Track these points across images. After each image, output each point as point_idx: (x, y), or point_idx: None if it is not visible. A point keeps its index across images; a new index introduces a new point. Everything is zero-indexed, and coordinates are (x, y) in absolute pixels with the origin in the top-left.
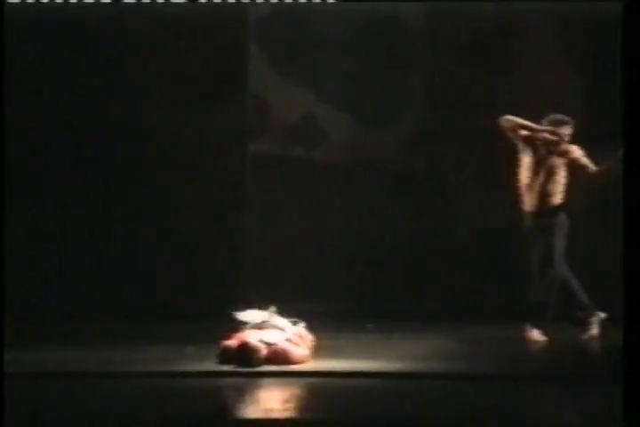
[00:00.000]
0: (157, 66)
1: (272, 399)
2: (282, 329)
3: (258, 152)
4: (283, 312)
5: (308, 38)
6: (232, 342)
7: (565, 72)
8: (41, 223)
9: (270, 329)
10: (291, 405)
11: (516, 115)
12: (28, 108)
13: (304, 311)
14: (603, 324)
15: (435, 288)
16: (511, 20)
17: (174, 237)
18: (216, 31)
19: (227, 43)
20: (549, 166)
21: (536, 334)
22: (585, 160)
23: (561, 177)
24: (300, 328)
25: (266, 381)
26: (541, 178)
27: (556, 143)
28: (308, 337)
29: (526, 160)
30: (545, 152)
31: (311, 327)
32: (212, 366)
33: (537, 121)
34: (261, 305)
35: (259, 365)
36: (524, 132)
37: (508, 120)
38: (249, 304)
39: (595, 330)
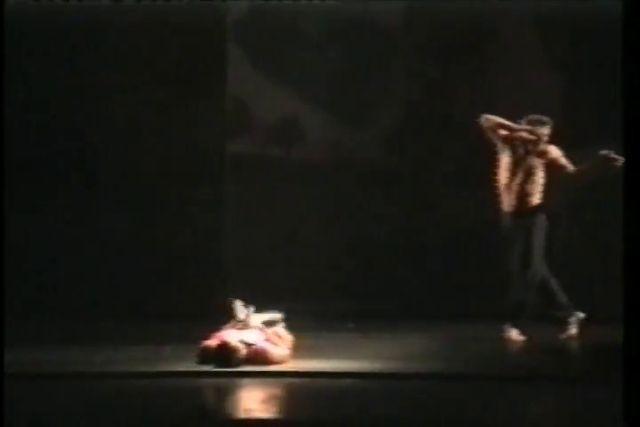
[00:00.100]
0: (136, 66)
1: (251, 399)
2: (261, 329)
3: (237, 152)
4: (262, 312)
5: (287, 38)
6: (212, 342)
7: (544, 72)
8: (21, 223)
9: (250, 329)
10: (270, 405)
11: (496, 114)
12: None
13: (284, 311)
14: (581, 324)
15: (415, 288)
16: (489, 20)
17: (153, 236)
18: (195, 31)
19: (206, 43)
20: (528, 167)
21: (515, 334)
22: (563, 160)
23: (539, 177)
24: (280, 328)
25: (245, 381)
26: (520, 178)
27: (535, 143)
28: (288, 337)
29: (505, 160)
30: (523, 152)
31: (291, 327)
32: (191, 366)
33: (516, 121)
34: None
35: (238, 365)
36: (502, 132)
37: (487, 119)
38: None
39: (573, 330)
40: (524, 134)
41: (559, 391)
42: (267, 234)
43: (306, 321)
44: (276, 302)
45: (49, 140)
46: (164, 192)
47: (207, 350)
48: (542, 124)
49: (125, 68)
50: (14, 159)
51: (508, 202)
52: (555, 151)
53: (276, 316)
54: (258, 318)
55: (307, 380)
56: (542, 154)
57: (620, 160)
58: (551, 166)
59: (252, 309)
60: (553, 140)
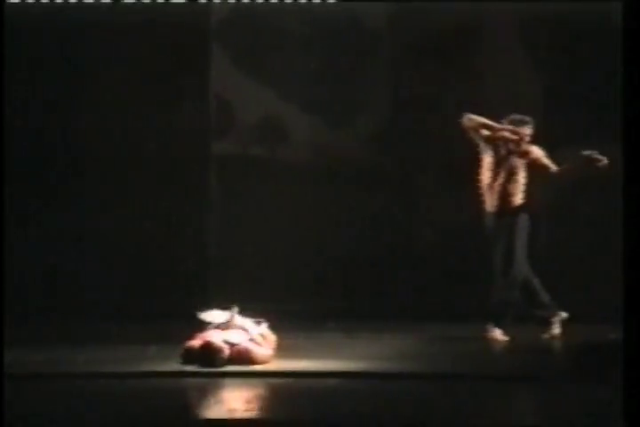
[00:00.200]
0: (119, 66)
1: (235, 399)
2: (245, 329)
3: (221, 152)
4: (245, 312)
5: (271, 38)
6: (195, 343)
7: (529, 72)
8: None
9: (233, 329)
10: (254, 405)
11: (481, 114)
12: None
13: (267, 311)
14: (564, 323)
15: (399, 288)
16: (474, 21)
17: (138, 237)
18: (178, 31)
19: (189, 43)
20: (510, 167)
21: (498, 334)
22: (546, 160)
23: (521, 177)
24: (263, 328)
25: (229, 381)
26: (502, 178)
27: (517, 143)
28: (272, 337)
29: (487, 160)
30: (505, 152)
31: (274, 327)
32: (175, 366)
33: (498, 121)
34: (224, 305)
35: (222, 365)
36: (485, 132)
37: (470, 119)
38: (212, 305)
39: (556, 330)
40: (507, 134)
41: (542, 391)
42: (251, 234)
43: (290, 321)
44: (260, 302)
45: (42, 139)
46: (148, 192)
47: (191, 350)
48: (524, 124)
49: (109, 68)
50: (15, 159)
51: (490, 202)
52: (537, 151)
53: (259, 320)
54: (241, 320)
55: (290, 380)
56: (524, 154)
57: (603, 160)
58: (533, 166)
59: (235, 309)
60: (536, 140)
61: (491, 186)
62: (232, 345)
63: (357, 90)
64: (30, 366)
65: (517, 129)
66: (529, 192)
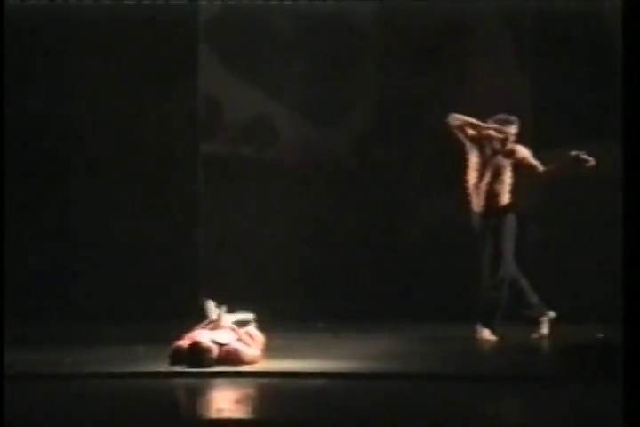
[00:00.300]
0: (108, 65)
1: (223, 400)
2: (233, 329)
3: (210, 152)
4: (234, 312)
5: (259, 38)
6: (184, 343)
7: (516, 71)
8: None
9: (222, 329)
10: (242, 405)
11: (467, 114)
12: None
13: (255, 311)
14: (552, 323)
15: (387, 288)
16: (461, 20)
17: (126, 237)
18: (166, 31)
19: (177, 43)
20: (496, 166)
21: (486, 334)
22: (532, 160)
23: (507, 177)
24: (252, 328)
25: (217, 381)
26: (488, 178)
27: (502, 143)
28: (260, 337)
29: (473, 160)
30: (491, 152)
31: (263, 327)
32: (163, 366)
33: (484, 121)
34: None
35: (210, 365)
36: (470, 132)
37: (455, 118)
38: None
39: (545, 329)
40: (492, 133)
41: (531, 391)
42: (239, 234)
43: (278, 321)
44: (248, 302)
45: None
46: (136, 193)
47: (179, 350)
48: (509, 123)
49: (97, 68)
50: (14, 159)
51: (477, 202)
52: (523, 151)
53: (248, 316)
54: (230, 318)
55: (279, 380)
56: (510, 154)
57: (591, 161)
58: (520, 166)
59: (224, 308)
60: (523, 139)
61: (477, 186)
62: (220, 345)
63: (345, 89)
64: (19, 367)
65: (503, 128)
66: (515, 192)
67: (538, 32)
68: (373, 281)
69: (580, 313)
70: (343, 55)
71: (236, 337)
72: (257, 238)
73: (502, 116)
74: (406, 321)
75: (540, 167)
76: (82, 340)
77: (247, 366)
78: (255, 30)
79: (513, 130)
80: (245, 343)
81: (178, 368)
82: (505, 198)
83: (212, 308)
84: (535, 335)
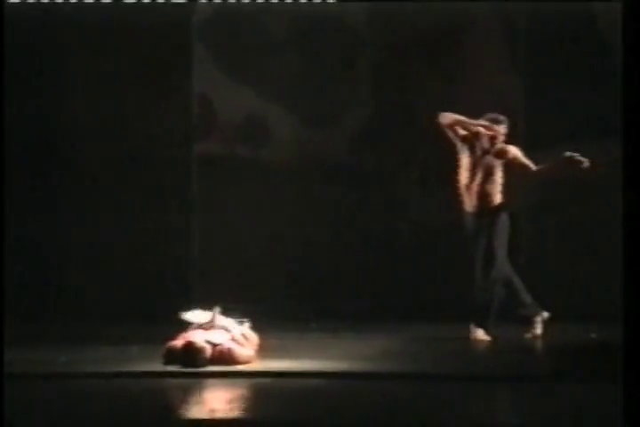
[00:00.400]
0: (101, 66)
1: (217, 400)
2: (227, 329)
3: (203, 152)
4: (228, 312)
5: (253, 38)
6: (177, 343)
7: (510, 72)
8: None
9: (216, 329)
10: (236, 405)
11: (460, 114)
12: None
13: (249, 311)
14: (546, 323)
15: (381, 288)
16: (454, 20)
17: (119, 237)
18: (160, 31)
19: (171, 43)
20: (487, 166)
21: (480, 334)
22: (524, 160)
23: (498, 177)
24: (246, 328)
25: (211, 381)
26: (479, 178)
27: (492, 142)
28: (254, 337)
29: (464, 160)
30: (481, 152)
31: (256, 327)
32: (157, 366)
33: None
34: (207, 306)
35: (204, 365)
36: (461, 131)
37: (446, 117)
38: (194, 305)
39: (538, 329)
40: (481, 129)
41: (525, 391)
42: (234, 234)
43: (272, 321)
44: (243, 302)
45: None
46: (130, 193)
47: (173, 350)
48: (498, 122)
49: (91, 68)
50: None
51: (469, 202)
52: (514, 151)
53: (242, 320)
54: (224, 320)
55: (273, 380)
56: (501, 153)
57: (585, 162)
58: (512, 166)
59: (218, 309)
60: (517, 139)
61: (468, 186)
62: (214, 345)
63: (340, 89)
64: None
65: (491, 126)
66: (507, 192)
67: (531, 32)
68: (369, 281)
69: (574, 313)
70: (338, 55)
71: (230, 337)
72: (252, 238)
73: (492, 115)
74: (401, 321)
75: (532, 167)
76: (76, 339)
77: (241, 366)
78: (249, 30)
79: (502, 129)
80: (239, 343)
81: (171, 368)
82: (497, 198)
83: (197, 315)
84: (529, 335)
